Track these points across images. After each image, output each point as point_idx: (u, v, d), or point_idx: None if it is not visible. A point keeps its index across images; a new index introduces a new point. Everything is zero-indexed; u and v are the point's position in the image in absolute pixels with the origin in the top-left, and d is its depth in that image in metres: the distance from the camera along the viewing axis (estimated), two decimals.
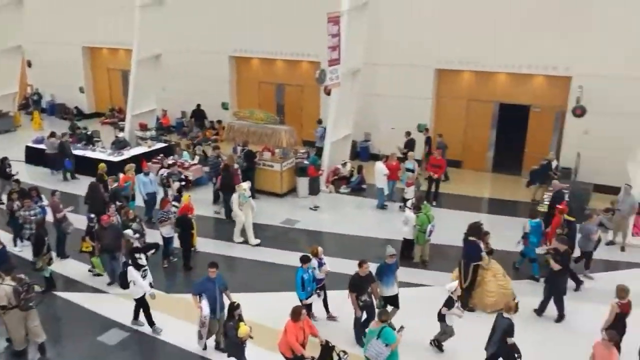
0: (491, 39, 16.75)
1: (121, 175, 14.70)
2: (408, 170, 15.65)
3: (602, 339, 7.80)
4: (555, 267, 10.08)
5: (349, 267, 10.06)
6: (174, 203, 12.89)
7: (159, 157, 18.10)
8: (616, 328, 8.34)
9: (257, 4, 20.47)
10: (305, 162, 16.66)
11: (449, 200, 15.92)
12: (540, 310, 10.51)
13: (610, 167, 15.20)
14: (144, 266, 9.85)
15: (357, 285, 9.35)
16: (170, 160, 17.29)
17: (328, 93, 17.79)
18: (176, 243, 12.53)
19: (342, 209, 15.99)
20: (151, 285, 9.93)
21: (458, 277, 10.78)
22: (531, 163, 17.35)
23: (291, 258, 12.69)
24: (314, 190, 15.81)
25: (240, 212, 13.38)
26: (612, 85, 15.29)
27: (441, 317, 9.28)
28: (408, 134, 17.98)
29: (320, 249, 10.26)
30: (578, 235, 11.83)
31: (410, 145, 17.72)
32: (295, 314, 8.22)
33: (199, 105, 22.74)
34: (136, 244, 11.56)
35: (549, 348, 9.52)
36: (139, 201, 14.64)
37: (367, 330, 8.56)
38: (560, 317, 10.31)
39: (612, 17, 14.97)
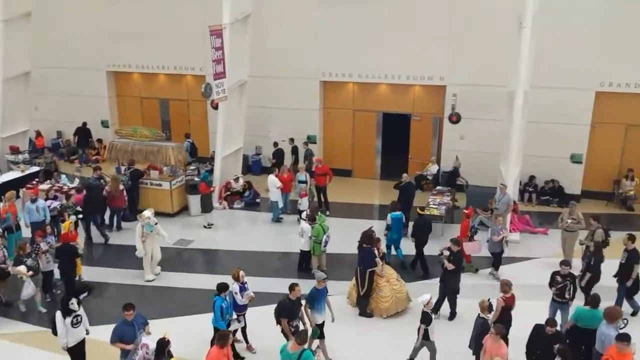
0: (372, 51, 17.41)
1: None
2: (301, 182, 15.77)
3: (491, 333, 8.30)
4: (450, 267, 10.61)
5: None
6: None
7: (34, 182, 16.68)
8: (503, 321, 8.93)
9: (135, 17, 19.68)
10: (196, 178, 16.22)
11: (341, 209, 16.23)
12: (435, 310, 10.99)
13: (486, 168, 16.34)
14: (75, 311, 8.72)
15: (288, 309, 8.91)
16: (45, 185, 15.97)
17: (215, 107, 17.49)
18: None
19: (237, 225, 15.74)
20: (87, 332, 8.95)
21: (355, 284, 11.01)
22: (415, 169, 18.27)
23: (189, 280, 12.32)
24: (206, 207, 15.41)
25: (143, 248, 11.96)
26: (481, 93, 16.50)
27: (425, 335, 9.17)
28: (275, 144, 18.26)
29: (242, 272, 9.61)
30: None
31: (278, 156, 18.01)
32: (222, 339, 7.77)
33: (84, 123, 21.30)
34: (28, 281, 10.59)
35: (448, 344, 9.88)
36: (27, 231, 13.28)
37: (285, 352, 8.00)
38: (453, 315, 10.87)
39: (481, 30, 16.14)
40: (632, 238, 10.74)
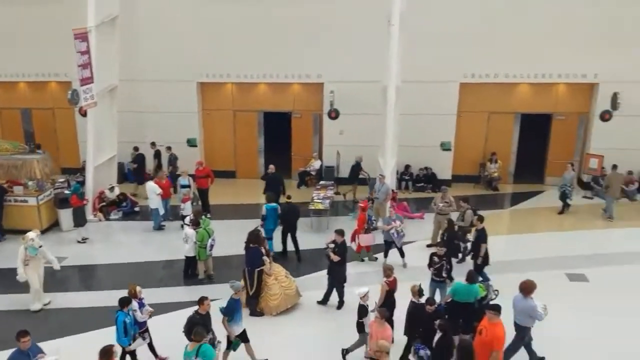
0: (250, 51, 17.30)
1: None
2: (183, 186, 15.28)
3: (375, 317, 8.56)
4: (335, 258, 10.79)
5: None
6: None
7: None
8: (387, 305, 9.25)
9: None
10: (67, 191, 15.13)
11: (226, 211, 15.97)
12: (324, 300, 11.16)
13: (365, 161, 16.87)
14: None
15: (199, 324, 8.36)
16: None
17: (84, 114, 16.44)
18: None
19: (116, 237, 14.92)
20: None
21: (244, 285, 10.86)
22: (299, 165, 18.46)
23: (65, 300, 11.44)
24: (79, 221, 14.40)
25: (25, 273, 10.72)
26: (357, 89, 17.01)
27: (360, 328, 9.16)
28: (136, 149, 17.66)
29: (138, 288, 9.10)
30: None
31: (139, 160, 17.49)
32: (105, 355, 7.27)
33: None
34: None
35: (345, 334, 10.04)
36: None
37: (185, 352, 7.83)
38: (341, 304, 11.08)
39: (354, 28, 16.61)
40: (480, 219, 11.60)
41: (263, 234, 11.86)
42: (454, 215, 13.31)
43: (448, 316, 9.09)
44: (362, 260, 13.02)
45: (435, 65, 16.60)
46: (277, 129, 18.95)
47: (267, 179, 15.45)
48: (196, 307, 8.69)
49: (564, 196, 15.65)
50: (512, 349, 8.94)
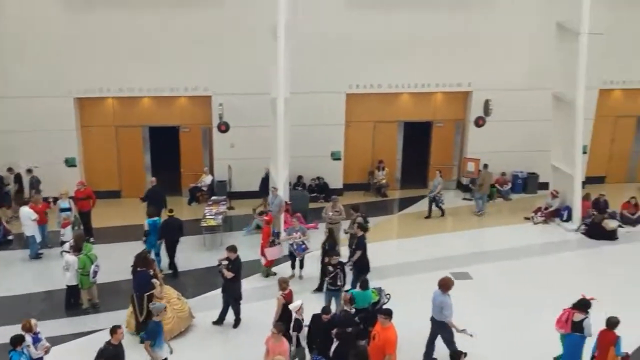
0: (131, 63, 16.53)
1: None
2: (63, 210, 14.23)
3: (272, 332, 8.47)
4: (229, 275, 10.55)
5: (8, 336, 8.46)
6: None
7: None
8: (284, 318, 9.20)
9: None
10: None
11: (110, 234, 15.11)
12: (220, 320, 10.88)
13: (258, 173, 16.76)
14: None
15: (114, 356, 8.07)
16: None
17: None
18: None
19: None
20: None
21: (133, 311, 10.33)
22: (189, 181, 17.96)
23: None
24: None
25: None
26: (246, 101, 16.90)
27: (297, 343, 8.93)
28: (10, 170, 16.39)
29: (33, 321, 8.45)
30: None
31: (17, 180, 16.36)
32: None
33: None
34: None
35: (243, 353, 9.87)
36: None
37: None
38: (237, 322, 10.87)
39: (241, 39, 16.47)
40: (361, 227, 12.04)
41: (152, 255, 11.38)
42: (346, 224, 13.58)
43: (352, 322, 9.16)
44: (268, 276, 12.85)
45: (323, 76, 16.88)
46: (165, 144, 18.27)
47: (148, 192, 15.09)
48: (108, 338, 8.18)
49: (434, 201, 16.42)
50: (447, 342, 9.26)
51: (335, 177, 18.08)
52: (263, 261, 12.82)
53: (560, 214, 15.96)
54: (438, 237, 15.32)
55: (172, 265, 12.96)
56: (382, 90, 17.67)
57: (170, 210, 13.28)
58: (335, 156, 17.99)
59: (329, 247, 11.77)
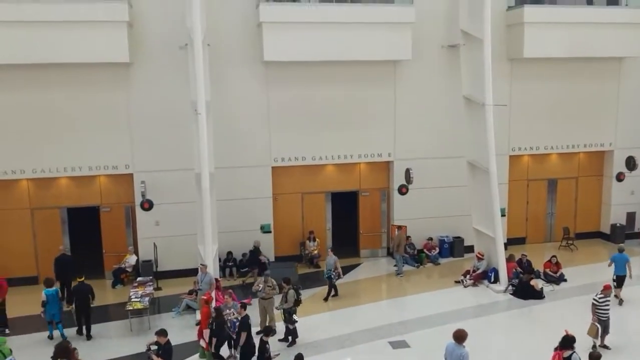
0: (49, 144, 16.05)
1: None
2: None
3: None
4: None
5: None
6: None
7: None
8: None
9: None
10: None
11: (28, 323, 13.87)
12: None
13: (185, 250, 16.30)
14: None
15: None
16: None
17: None
18: None
19: None
20: None
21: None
22: (112, 262, 17.08)
23: None
24: None
25: None
26: (170, 178, 16.67)
27: None
28: None
29: None
30: None
31: None
32: None
33: None
34: None
35: None
36: None
37: None
38: None
39: (160, 116, 16.44)
40: (243, 305, 11.84)
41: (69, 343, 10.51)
42: (278, 298, 13.27)
43: None
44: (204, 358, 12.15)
45: (248, 150, 17.11)
46: (85, 225, 17.41)
47: (56, 261, 15.12)
48: None
49: (329, 280, 15.55)
50: None
51: (267, 250, 17.79)
52: (203, 344, 12.13)
53: (487, 275, 16.45)
54: (372, 306, 15.23)
55: (86, 330, 13.10)
56: (306, 162, 17.96)
57: (81, 276, 13.25)
58: (265, 229, 17.81)
59: (216, 326, 11.49)
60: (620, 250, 14.92)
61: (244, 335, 11.20)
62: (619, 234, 19.67)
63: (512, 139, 19.05)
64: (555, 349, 9.87)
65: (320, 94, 17.54)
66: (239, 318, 11.97)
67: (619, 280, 14.67)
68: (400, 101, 18.11)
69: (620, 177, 20.05)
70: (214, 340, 11.55)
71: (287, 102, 17.35)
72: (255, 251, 17.28)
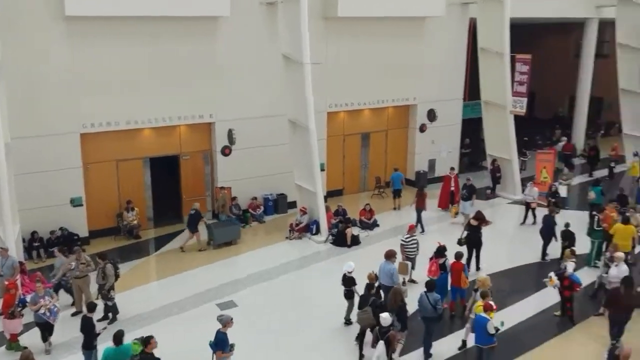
0: None
1: None
2: None
3: None
4: None
5: None
6: None
7: None
8: None
9: None
10: None
11: None
12: None
13: None
14: None
15: None
16: None
17: None
18: None
19: None
20: None
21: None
22: None
23: None
24: None
25: None
26: None
27: None
28: None
29: None
30: None
31: None
32: None
33: None
34: None
35: None
36: None
37: None
38: None
39: None
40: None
41: None
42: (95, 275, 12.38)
43: None
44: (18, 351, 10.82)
45: (51, 117, 15.40)
46: None
47: None
48: None
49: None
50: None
51: (80, 225, 16.41)
52: (7, 335, 10.90)
53: (310, 228, 17.12)
54: (200, 270, 15.00)
55: None
56: (120, 127, 16.73)
57: None
58: (75, 202, 16.29)
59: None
60: (396, 170, 20.00)
61: None
62: (422, 179, 21.77)
63: (329, 96, 19.72)
64: (431, 259, 12.37)
65: (133, 52, 16.29)
66: (56, 305, 10.99)
67: (397, 192, 19.74)
68: (221, 60, 17.60)
69: (422, 129, 22.04)
70: None
71: (94, 61, 15.79)
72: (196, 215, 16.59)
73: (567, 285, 11.81)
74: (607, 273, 12.20)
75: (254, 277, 14.40)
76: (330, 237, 16.75)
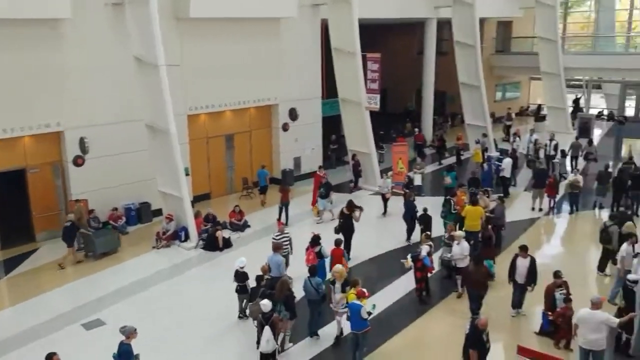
0: None
1: None
2: None
3: None
4: None
5: None
6: None
7: None
8: None
9: None
10: None
11: None
12: None
13: None
14: None
15: None
16: None
17: None
18: None
19: None
20: None
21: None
22: None
23: None
24: None
25: None
26: None
27: None
28: None
29: None
30: None
31: None
32: None
33: None
34: None
35: None
36: None
37: None
38: None
39: None
40: None
41: None
42: None
43: None
44: None
45: None
46: None
47: None
48: None
49: None
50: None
51: None
52: None
53: (178, 235, 16.60)
54: (61, 290, 13.86)
55: None
56: None
57: None
58: None
59: None
60: (262, 167, 20.32)
61: None
62: (289, 177, 22.12)
63: (189, 99, 19.24)
64: (307, 248, 12.91)
65: None
66: None
67: (262, 189, 20.04)
68: (66, 65, 16.33)
69: (285, 127, 22.40)
70: None
71: None
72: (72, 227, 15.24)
73: (420, 267, 12.72)
74: (450, 253, 13.34)
75: (121, 291, 13.61)
76: (201, 242, 16.38)
